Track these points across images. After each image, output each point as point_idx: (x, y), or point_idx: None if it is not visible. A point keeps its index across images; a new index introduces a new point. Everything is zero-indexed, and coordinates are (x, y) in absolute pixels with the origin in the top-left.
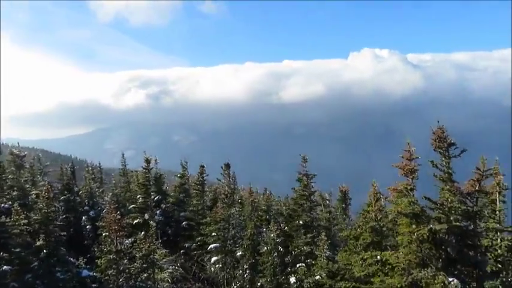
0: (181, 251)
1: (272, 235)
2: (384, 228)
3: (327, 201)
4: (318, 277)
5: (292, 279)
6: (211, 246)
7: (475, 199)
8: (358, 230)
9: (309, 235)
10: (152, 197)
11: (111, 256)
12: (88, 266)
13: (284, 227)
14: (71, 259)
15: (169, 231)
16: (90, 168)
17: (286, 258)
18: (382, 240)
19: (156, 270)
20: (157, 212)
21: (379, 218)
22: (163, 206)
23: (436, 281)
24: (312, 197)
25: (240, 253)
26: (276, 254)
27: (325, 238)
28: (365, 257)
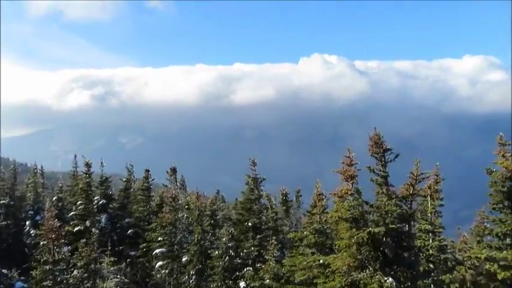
0: (127, 260)
1: (224, 239)
2: (328, 230)
3: (274, 204)
4: (267, 281)
5: (242, 284)
6: (157, 251)
7: (409, 202)
8: (303, 231)
9: (258, 236)
10: (96, 201)
11: (47, 267)
12: (23, 278)
13: (233, 231)
14: (4, 270)
15: (115, 238)
16: (33, 171)
17: (235, 261)
18: (326, 241)
19: (98, 280)
20: (103, 217)
21: (323, 220)
22: (109, 211)
23: (373, 281)
24: (260, 200)
25: (187, 258)
26: (227, 258)
27: (275, 242)
28: (308, 260)
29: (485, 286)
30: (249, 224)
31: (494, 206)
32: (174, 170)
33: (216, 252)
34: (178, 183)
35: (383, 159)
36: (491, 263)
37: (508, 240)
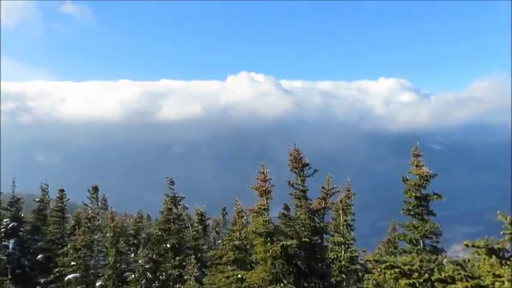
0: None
1: (140, 261)
2: (248, 246)
3: (195, 222)
4: None
5: None
6: (70, 276)
7: (321, 215)
8: (223, 249)
9: (177, 258)
10: (5, 224)
11: None
12: None
13: (151, 252)
14: None
15: (26, 263)
16: None
17: (154, 285)
18: (246, 258)
19: None
20: (11, 242)
21: (243, 236)
22: (20, 234)
23: None
24: (180, 218)
25: (101, 283)
26: (144, 281)
27: (195, 261)
28: (227, 276)
29: None
30: (168, 245)
31: (408, 212)
32: (95, 189)
33: (133, 275)
34: (99, 203)
35: (302, 174)
36: (394, 270)
37: (420, 245)
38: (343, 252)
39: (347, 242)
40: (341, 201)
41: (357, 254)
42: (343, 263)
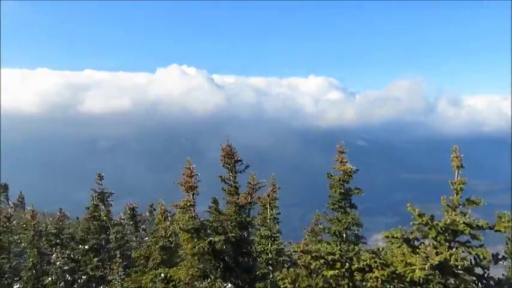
0: None
1: (58, 263)
2: (173, 245)
3: (124, 220)
4: None
5: None
6: None
7: (248, 210)
8: (148, 249)
9: (95, 259)
10: None
11: None
12: None
13: (72, 253)
14: None
15: None
16: None
17: (74, 287)
18: (172, 257)
19: None
20: None
21: (168, 235)
22: None
23: None
24: (107, 216)
25: (18, 286)
26: (62, 283)
27: (120, 260)
28: (151, 274)
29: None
30: (87, 246)
31: (333, 206)
32: (5, 187)
33: (50, 278)
34: (11, 202)
35: (234, 170)
36: (319, 261)
37: (344, 237)
38: (269, 245)
39: (273, 235)
40: (268, 196)
41: (283, 246)
42: (270, 255)
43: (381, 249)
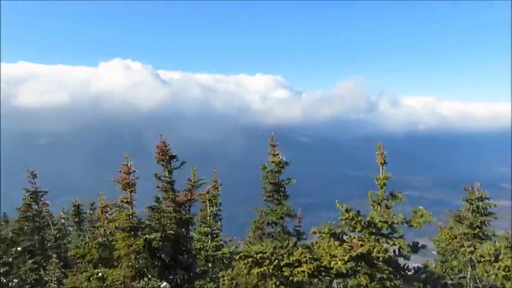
0: None
1: None
2: (113, 243)
3: (62, 219)
4: None
5: None
6: None
7: (188, 207)
8: (86, 247)
9: (30, 261)
10: None
11: None
12: None
13: (4, 256)
14: None
15: None
16: None
17: None
18: (112, 255)
19: None
20: None
21: (108, 233)
22: None
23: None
24: (41, 215)
25: None
26: None
27: (57, 261)
28: (88, 275)
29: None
30: (19, 248)
31: (267, 197)
32: None
33: None
34: None
35: (169, 166)
36: (247, 260)
37: (280, 228)
38: (209, 242)
39: (213, 232)
40: (207, 192)
41: (222, 243)
42: (209, 252)
43: (314, 244)
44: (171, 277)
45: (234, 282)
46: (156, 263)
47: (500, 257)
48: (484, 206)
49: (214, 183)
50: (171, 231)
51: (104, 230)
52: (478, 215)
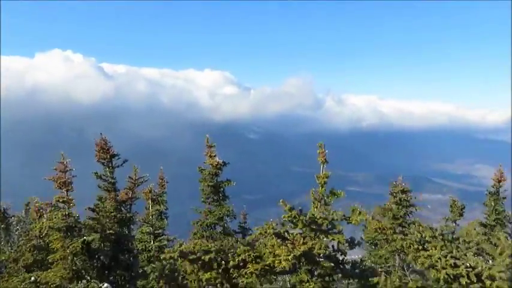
0: None
1: None
2: (50, 245)
3: None
4: None
5: None
6: None
7: (129, 206)
8: (19, 250)
9: None
10: None
11: None
12: None
13: None
14: None
15: None
16: None
17: None
18: (49, 258)
19: None
20: None
21: (43, 235)
22: None
23: None
24: None
25: None
26: None
27: None
28: (20, 279)
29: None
30: None
31: (205, 199)
32: None
33: None
34: None
35: (110, 165)
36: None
37: (218, 229)
38: (152, 242)
39: (156, 232)
40: (150, 191)
41: (165, 242)
42: (152, 252)
43: (256, 240)
44: (111, 278)
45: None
46: (95, 264)
47: (425, 246)
48: (406, 198)
49: (160, 181)
50: (110, 231)
51: (40, 231)
52: (400, 206)
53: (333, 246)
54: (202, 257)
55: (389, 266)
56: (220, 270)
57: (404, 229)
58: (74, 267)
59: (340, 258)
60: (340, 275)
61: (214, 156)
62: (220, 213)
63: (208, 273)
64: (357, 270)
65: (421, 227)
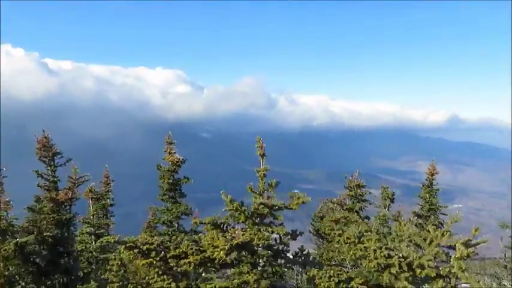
0: None
1: None
2: None
3: None
4: None
5: None
6: None
7: (68, 206)
8: None
9: None
10: None
11: None
12: None
13: None
14: None
15: None
16: None
17: None
18: None
19: None
20: None
21: None
22: None
23: None
24: None
25: None
26: None
27: None
28: None
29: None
30: None
31: (163, 197)
32: None
33: None
34: None
35: (52, 163)
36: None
37: (175, 226)
38: (93, 243)
39: (97, 232)
40: (90, 190)
41: (107, 243)
42: (93, 253)
43: (201, 236)
44: (49, 282)
45: (123, 269)
46: (31, 268)
47: (362, 239)
48: (360, 193)
49: (106, 180)
50: (48, 233)
51: None
52: (355, 200)
53: (275, 239)
54: (141, 247)
55: (342, 259)
56: (158, 258)
57: (356, 222)
58: (6, 273)
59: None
60: (282, 265)
61: (174, 153)
62: (178, 211)
63: (146, 260)
64: (302, 258)
65: (357, 222)
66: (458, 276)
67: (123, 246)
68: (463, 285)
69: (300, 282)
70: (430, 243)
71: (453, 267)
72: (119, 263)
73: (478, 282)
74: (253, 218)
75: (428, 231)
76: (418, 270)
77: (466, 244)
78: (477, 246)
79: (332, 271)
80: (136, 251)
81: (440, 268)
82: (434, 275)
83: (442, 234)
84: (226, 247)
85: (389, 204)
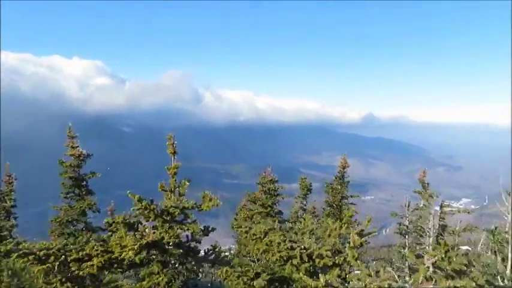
0: None
1: None
2: None
3: None
4: None
5: None
6: None
7: None
8: None
9: None
10: None
11: None
12: None
13: None
14: None
15: None
16: None
17: None
18: None
19: None
20: None
21: None
22: None
23: None
24: None
25: None
26: None
27: None
28: None
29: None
30: None
31: (65, 194)
32: None
33: None
34: None
35: None
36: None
37: (71, 227)
38: None
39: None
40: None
41: (11, 246)
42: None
43: (110, 236)
44: None
45: (16, 279)
46: None
47: (267, 234)
48: (274, 188)
49: (8, 178)
50: None
51: None
52: (269, 196)
53: (187, 236)
54: (37, 253)
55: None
56: (57, 263)
57: (273, 218)
58: None
59: (193, 246)
60: (193, 263)
61: (77, 147)
62: (81, 207)
63: (42, 265)
64: (212, 256)
65: (262, 221)
66: (351, 264)
67: (16, 254)
68: (356, 271)
69: (214, 278)
70: (329, 235)
71: (347, 255)
72: (9, 272)
73: (368, 268)
74: (164, 216)
75: (328, 223)
76: (318, 260)
77: (360, 234)
78: (372, 235)
79: (240, 268)
80: (31, 257)
81: (336, 257)
82: (331, 263)
83: (340, 227)
84: (135, 247)
85: (306, 194)
